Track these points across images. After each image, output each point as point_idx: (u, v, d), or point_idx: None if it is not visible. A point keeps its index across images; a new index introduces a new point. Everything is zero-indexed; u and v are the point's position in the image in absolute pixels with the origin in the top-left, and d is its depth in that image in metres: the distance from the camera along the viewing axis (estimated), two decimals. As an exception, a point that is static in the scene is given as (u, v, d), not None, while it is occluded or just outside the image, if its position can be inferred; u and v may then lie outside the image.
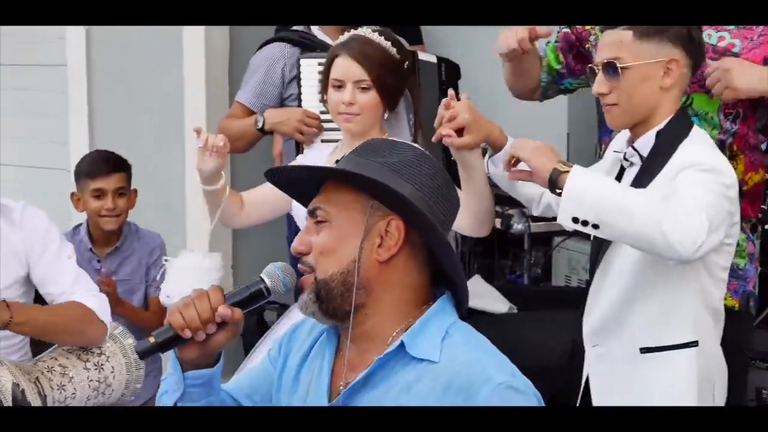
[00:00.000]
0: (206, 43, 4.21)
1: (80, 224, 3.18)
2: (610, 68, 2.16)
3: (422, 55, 3.08)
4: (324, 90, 2.62)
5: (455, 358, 1.48)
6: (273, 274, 1.57)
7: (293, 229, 3.09)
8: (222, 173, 2.59)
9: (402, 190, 1.48)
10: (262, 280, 1.58)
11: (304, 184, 1.60)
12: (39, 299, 2.67)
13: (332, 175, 1.56)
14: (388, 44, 2.58)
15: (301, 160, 2.80)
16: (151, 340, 1.53)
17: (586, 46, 2.56)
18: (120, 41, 4.39)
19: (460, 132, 2.29)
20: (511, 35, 2.48)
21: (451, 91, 2.40)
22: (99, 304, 2.61)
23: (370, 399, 1.52)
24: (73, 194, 3.22)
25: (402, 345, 1.50)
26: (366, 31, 2.60)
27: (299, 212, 2.56)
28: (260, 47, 3.28)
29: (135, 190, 3.23)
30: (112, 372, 2.64)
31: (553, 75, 2.67)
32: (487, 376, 1.45)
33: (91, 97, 4.47)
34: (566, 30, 2.65)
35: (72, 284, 2.62)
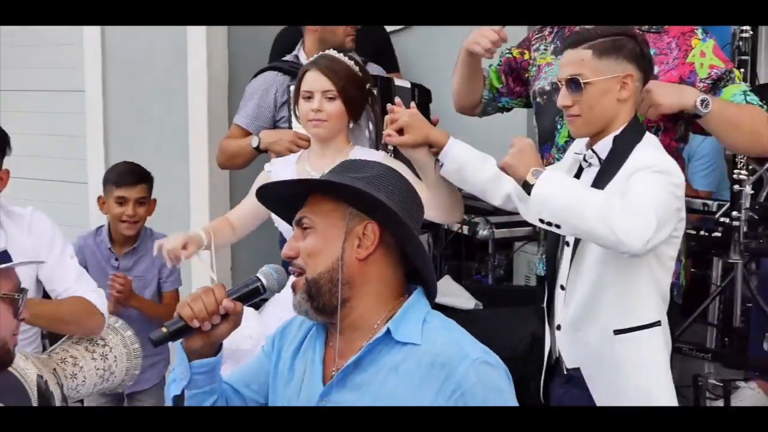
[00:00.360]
0: (208, 70, 4.28)
1: (102, 225, 3.24)
2: (573, 84, 2.19)
3: (398, 81, 3.15)
4: (295, 102, 2.65)
5: (435, 340, 1.56)
6: (267, 274, 1.65)
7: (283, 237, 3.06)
8: (200, 235, 2.61)
9: (377, 197, 1.56)
10: (259, 279, 1.65)
11: (290, 198, 1.67)
12: (46, 296, 2.69)
13: (317, 188, 1.63)
14: (351, 63, 2.65)
15: (268, 168, 2.84)
16: (164, 330, 1.59)
17: (525, 75, 2.63)
18: (132, 69, 4.51)
19: (401, 133, 2.39)
20: (484, 38, 2.53)
21: (397, 99, 2.49)
22: (98, 299, 2.64)
23: (362, 380, 1.59)
24: (99, 198, 3.26)
25: (388, 331, 1.57)
26: (333, 52, 2.68)
27: (284, 226, 2.60)
28: (255, 75, 3.34)
29: (154, 200, 3.27)
30: (114, 361, 2.67)
31: (494, 93, 2.71)
32: (464, 354, 1.53)
33: (106, 119, 4.59)
34: (509, 55, 2.71)
35: (74, 281, 2.64)
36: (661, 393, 2.23)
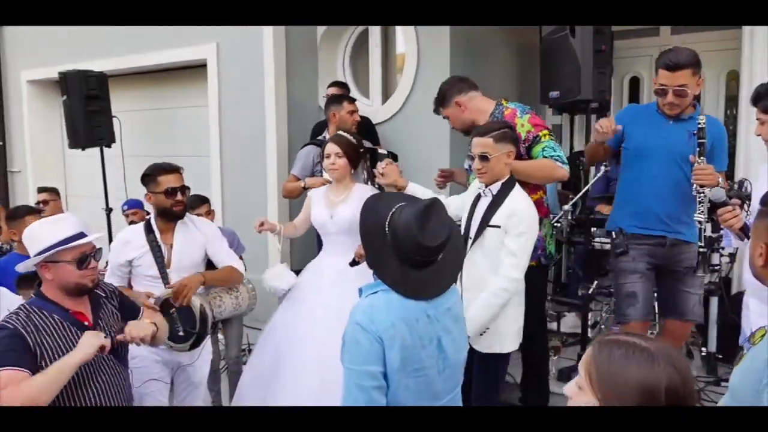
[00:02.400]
0: (277, 145, 5.05)
1: None
2: (483, 157, 2.62)
3: (380, 150, 3.62)
4: (323, 159, 3.25)
5: (361, 302, 1.85)
6: None
7: (318, 236, 3.59)
8: (278, 226, 3.24)
9: (369, 248, 1.88)
10: None
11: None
12: (209, 263, 3.14)
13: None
14: (351, 137, 3.22)
15: (310, 193, 3.39)
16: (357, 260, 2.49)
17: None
18: (236, 143, 5.23)
19: (381, 176, 2.99)
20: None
21: (384, 161, 3.07)
22: (239, 265, 3.15)
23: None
24: None
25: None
26: (342, 133, 3.24)
27: (318, 222, 3.31)
28: (302, 147, 4.20)
29: (213, 210, 3.89)
30: (242, 300, 3.18)
31: None
32: (353, 315, 1.82)
33: (223, 180, 5.43)
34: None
35: (227, 256, 3.14)
36: (503, 323, 2.68)
